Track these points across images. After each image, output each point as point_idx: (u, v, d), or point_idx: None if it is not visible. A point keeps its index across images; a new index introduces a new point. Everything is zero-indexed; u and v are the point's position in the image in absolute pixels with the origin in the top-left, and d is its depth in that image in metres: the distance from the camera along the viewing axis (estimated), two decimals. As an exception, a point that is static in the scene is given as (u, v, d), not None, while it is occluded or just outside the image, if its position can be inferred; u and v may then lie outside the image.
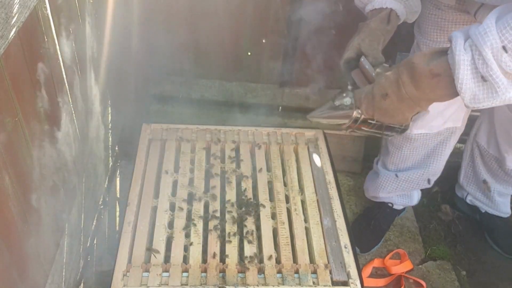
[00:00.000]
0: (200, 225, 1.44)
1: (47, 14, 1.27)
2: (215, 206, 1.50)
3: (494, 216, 2.05)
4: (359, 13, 2.02)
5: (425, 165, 1.91)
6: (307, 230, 1.46)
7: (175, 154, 1.66)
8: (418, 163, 1.91)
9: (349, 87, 1.29)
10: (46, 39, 1.27)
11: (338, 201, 1.55)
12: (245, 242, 1.40)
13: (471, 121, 1.95)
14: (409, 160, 1.91)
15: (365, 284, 1.77)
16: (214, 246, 1.38)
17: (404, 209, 2.14)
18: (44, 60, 1.28)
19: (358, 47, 1.34)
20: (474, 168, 2.02)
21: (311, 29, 2.07)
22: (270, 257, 1.37)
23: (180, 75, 2.26)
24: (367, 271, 1.92)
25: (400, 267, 1.92)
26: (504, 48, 0.95)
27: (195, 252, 1.36)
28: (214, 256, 1.35)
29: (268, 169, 1.65)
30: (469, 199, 2.10)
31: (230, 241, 1.40)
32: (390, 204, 2.05)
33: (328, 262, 1.37)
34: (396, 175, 1.94)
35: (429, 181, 1.96)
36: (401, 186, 1.96)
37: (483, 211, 2.07)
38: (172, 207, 1.49)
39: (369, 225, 2.03)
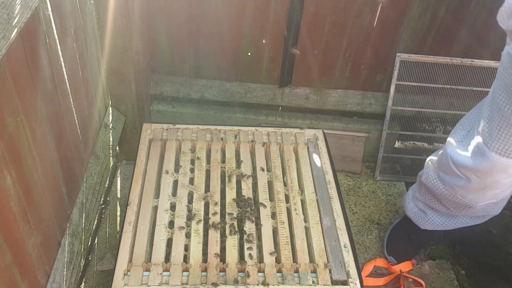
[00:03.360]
0: (200, 224, 1.44)
1: (49, 14, 1.28)
2: (215, 205, 1.50)
3: None
4: (358, 13, 2.03)
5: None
6: (307, 229, 1.47)
7: (175, 154, 1.66)
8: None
9: None
10: (47, 40, 1.28)
11: (338, 201, 1.56)
12: (245, 242, 1.41)
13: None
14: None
15: (364, 284, 1.79)
16: (214, 245, 1.39)
17: None
18: (46, 61, 1.29)
19: None
20: None
21: (310, 29, 2.08)
22: (270, 257, 1.37)
23: (180, 75, 2.27)
24: (368, 269, 1.93)
25: (400, 266, 1.93)
26: None
27: (196, 252, 1.37)
28: (214, 255, 1.36)
29: (268, 169, 1.65)
30: None
31: (230, 241, 1.41)
32: None
33: (328, 262, 1.37)
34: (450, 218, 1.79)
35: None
36: (455, 226, 1.81)
37: None
38: (173, 207, 1.50)
39: (409, 238, 1.93)
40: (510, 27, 1.30)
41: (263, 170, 1.63)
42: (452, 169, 1.54)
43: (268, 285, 1.29)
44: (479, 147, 1.42)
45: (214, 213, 1.48)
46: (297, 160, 1.70)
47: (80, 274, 1.64)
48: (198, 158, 1.65)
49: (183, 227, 1.43)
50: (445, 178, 1.62)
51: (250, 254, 1.37)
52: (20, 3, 1.04)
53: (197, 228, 1.43)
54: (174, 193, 1.54)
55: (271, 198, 1.56)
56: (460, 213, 1.70)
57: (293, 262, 1.37)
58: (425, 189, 1.77)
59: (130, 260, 1.33)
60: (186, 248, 1.39)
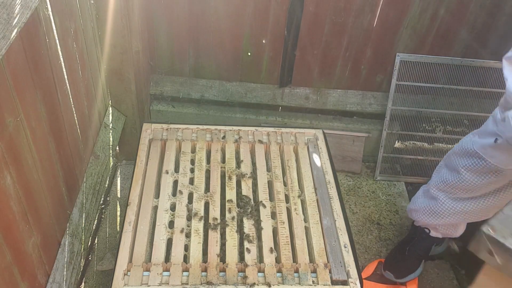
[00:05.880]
0: (200, 224, 1.44)
1: (48, 14, 1.28)
2: (215, 205, 1.50)
3: None
4: (358, 13, 2.03)
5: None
6: (306, 229, 1.47)
7: (175, 154, 1.66)
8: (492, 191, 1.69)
9: None
10: (47, 40, 1.28)
11: (338, 201, 1.56)
12: (245, 242, 1.41)
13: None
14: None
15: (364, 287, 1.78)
16: (214, 245, 1.39)
17: (444, 238, 1.94)
18: (46, 61, 1.29)
19: None
20: None
21: (310, 29, 2.08)
22: (270, 257, 1.37)
23: (180, 75, 2.27)
24: (370, 270, 1.93)
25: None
26: None
27: (196, 252, 1.37)
28: (214, 255, 1.36)
29: (268, 169, 1.65)
30: None
31: (230, 241, 1.41)
32: (426, 230, 1.89)
33: (328, 262, 1.37)
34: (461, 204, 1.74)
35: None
36: (462, 217, 1.77)
37: None
38: (173, 207, 1.50)
39: (404, 251, 1.92)
40: None
41: (263, 170, 1.63)
42: (493, 129, 1.51)
43: (268, 285, 1.29)
44: None
45: (214, 213, 1.48)
46: (297, 160, 1.70)
47: (80, 274, 1.64)
48: (198, 158, 1.65)
49: (183, 227, 1.43)
50: (480, 142, 1.58)
51: (250, 254, 1.38)
52: (20, 3, 1.04)
53: (197, 228, 1.43)
54: (174, 193, 1.54)
55: (271, 198, 1.56)
56: (484, 182, 1.63)
57: (293, 262, 1.37)
58: (448, 169, 1.73)
59: (130, 260, 1.33)
60: (186, 248, 1.39)
